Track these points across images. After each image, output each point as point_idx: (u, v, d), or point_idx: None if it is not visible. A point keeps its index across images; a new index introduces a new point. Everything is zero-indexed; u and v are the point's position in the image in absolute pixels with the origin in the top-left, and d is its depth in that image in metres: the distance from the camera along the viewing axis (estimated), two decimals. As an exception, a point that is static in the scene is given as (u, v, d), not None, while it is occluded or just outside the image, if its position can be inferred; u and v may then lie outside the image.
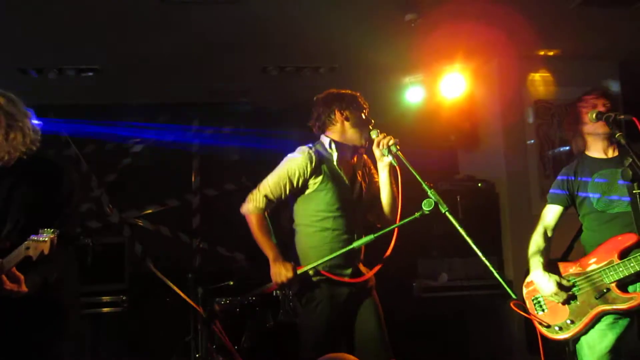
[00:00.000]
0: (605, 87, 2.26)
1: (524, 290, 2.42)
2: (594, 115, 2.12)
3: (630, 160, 1.95)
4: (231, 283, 4.03)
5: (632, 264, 2.07)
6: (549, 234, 2.43)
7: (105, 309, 3.86)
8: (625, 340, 2.19)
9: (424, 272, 4.54)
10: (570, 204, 2.44)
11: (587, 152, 2.44)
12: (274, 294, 3.79)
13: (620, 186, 2.21)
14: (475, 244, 1.75)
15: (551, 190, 2.51)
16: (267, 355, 3.17)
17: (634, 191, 1.92)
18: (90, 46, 3.88)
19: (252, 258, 5.08)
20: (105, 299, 3.85)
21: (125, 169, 5.31)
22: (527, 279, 2.43)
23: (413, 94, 4.79)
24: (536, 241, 2.40)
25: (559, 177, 2.51)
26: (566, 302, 2.21)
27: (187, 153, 5.44)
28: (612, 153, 2.35)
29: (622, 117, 1.97)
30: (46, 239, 1.86)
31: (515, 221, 4.38)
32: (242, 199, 2.40)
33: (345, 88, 2.51)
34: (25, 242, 1.88)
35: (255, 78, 4.73)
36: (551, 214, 2.46)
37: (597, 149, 2.38)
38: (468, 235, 1.77)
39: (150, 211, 5.32)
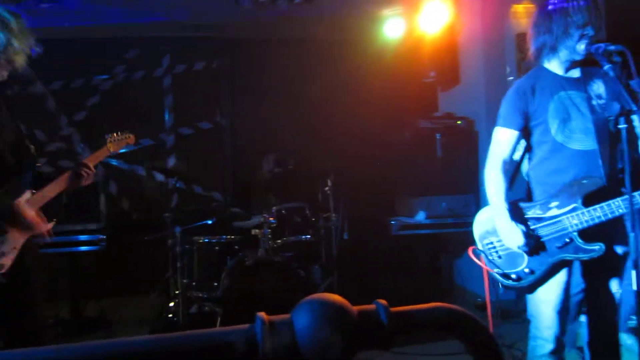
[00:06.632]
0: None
1: (476, 231, 2.14)
2: (582, 47, 1.88)
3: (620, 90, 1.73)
4: (209, 222, 4.03)
5: (597, 213, 1.88)
6: (507, 167, 2.07)
7: (83, 248, 3.87)
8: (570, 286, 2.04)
9: (401, 210, 4.61)
10: (525, 126, 2.06)
11: (547, 65, 2.06)
12: (252, 232, 3.83)
13: (584, 116, 1.96)
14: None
15: (504, 110, 2.09)
16: (245, 293, 3.23)
17: (619, 126, 1.73)
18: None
19: (230, 197, 5.08)
20: (82, 238, 3.85)
21: (95, 107, 5.12)
22: (481, 217, 2.16)
23: (392, 28, 4.62)
24: (495, 180, 2.05)
25: (512, 93, 2.08)
26: (530, 254, 1.99)
27: (159, 90, 5.24)
28: (576, 73, 2.02)
29: (613, 47, 1.76)
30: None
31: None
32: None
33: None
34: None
35: (228, 10, 4.49)
36: (507, 140, 2.06)
37: (560, 66, 2.03)
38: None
39: (123, 151, 5.18)
